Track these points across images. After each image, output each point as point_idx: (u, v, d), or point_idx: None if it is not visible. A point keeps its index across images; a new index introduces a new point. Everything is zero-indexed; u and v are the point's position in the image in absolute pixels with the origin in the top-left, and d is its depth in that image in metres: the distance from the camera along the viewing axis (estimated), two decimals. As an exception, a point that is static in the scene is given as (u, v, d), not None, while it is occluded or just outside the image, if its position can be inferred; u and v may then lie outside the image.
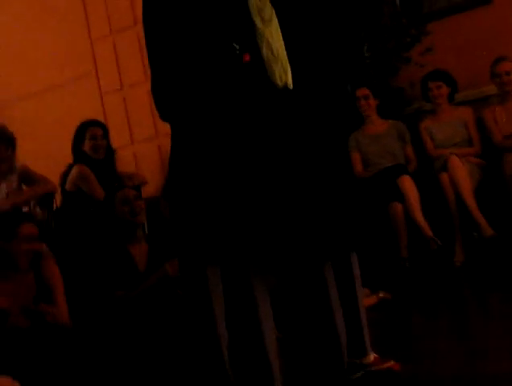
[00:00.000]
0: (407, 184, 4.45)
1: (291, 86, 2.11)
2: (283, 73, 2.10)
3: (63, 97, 5.89)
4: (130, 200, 3.87)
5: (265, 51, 2.09)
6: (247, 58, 2.07)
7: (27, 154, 5.79)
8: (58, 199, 4.72)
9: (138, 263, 3.77)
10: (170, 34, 2.14)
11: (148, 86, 5.53)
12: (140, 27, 5.48)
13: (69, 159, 4.72)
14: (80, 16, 5.84)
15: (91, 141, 4.61)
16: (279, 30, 2.14)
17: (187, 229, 2.11)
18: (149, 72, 5.47)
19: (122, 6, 5.67)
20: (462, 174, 4.41)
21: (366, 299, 3.44)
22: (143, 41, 5.75)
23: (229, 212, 2.03)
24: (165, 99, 2.16)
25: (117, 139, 5.55)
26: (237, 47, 2.07)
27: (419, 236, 4.45)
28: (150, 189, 5.28)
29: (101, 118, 5.70)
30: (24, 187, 4.43)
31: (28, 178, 4.42)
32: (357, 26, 4.83)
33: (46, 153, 5.78)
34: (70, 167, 4.59)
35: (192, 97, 2.10)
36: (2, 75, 6.21)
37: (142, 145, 5.68)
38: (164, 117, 2.21)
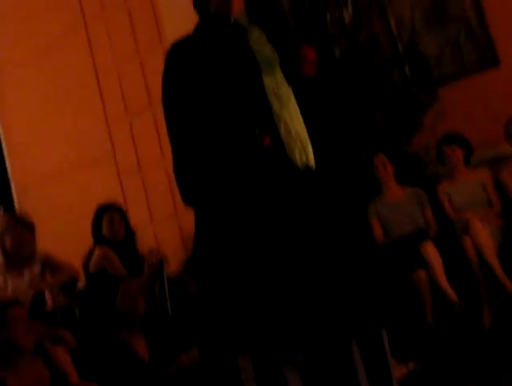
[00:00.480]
0: (430, 250, 4.41)
1: (313, 166, 2.13)
2: (303, 154, 2.11)
3: (81, 178, 5.96)
4: (133, 292, 3.91)
5: (283, 132, 2.10)
6: (267, 141, 2.08)
7: (48, 236, 5.84)
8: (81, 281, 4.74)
9: (141, 356, 3.78)
10: (189, 117, 2.16)
11: (165, 164, 5.63)
12: (155, 107, 5.63)
13: (90, 240, 4.76)
14: (96, 98, 5.97)
15: (109, 226, 4.67)
16: (298, 109, 2.16)
17: (215, 317, 2.10)
18: (166, 151, 5.56)
19: (137, 87, 5.79)
20: (484, 236, 4.37)
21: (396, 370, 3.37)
22: (159, 120, 5.87)
23: (254, 295, 2.02)
24: (187, 182, 2.18)
25: (136, 218, 5.59)
26: (257, 130, 2.08)
27: (444, 300, 4.40)
28: (172, 266, 5.28)
29: (119, 198, 5.76)
30: (47, 275, 4.45)
31: (50, 265, 4.44)
32: (368, 99, 4.92)
33: (67, 234, 5.82)
34: (92, 249, 4.63)
35: (213, 181, 2.11)
36: (23, 159, 6.32)
37: (162, 223, 5.71)
38: (187, 199, 2.21)
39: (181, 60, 2.21)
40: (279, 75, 2.17)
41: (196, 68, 2.17)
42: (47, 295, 4.25)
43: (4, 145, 6.41)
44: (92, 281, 4.57)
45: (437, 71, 5.31)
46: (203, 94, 2.16)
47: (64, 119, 6.09)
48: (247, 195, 2.08)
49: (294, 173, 2.09)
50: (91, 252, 4.62)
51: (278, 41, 2.22)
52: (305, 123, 2.15)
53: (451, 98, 5.20)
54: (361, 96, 5.06)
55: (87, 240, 4.84)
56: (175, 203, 5.53)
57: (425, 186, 5.09)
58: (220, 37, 2.21)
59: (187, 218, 5.37)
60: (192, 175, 2.15)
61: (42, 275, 4.39)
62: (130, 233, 4.79)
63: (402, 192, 4.94)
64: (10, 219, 4.02)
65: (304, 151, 2.12)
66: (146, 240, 5.25)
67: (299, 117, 2.15)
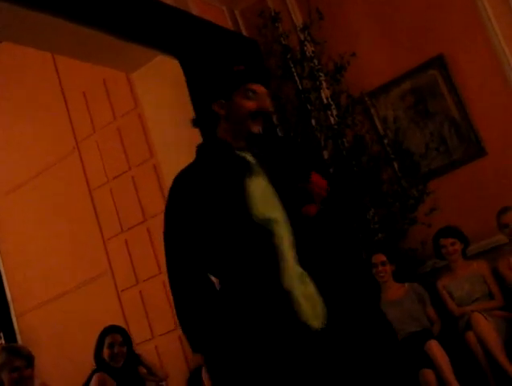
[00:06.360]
0: (435, 349, 4.31)
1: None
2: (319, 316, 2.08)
3: (80, 300, 5.94)
4: None
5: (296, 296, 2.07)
6: None
7: (49, 361, 5.76)
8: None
9: None
10: (196, 263, 2.14)
11: (163, 278, 5.58)
12: (149, 221, 5.65)
13: (90, 364, 4.69)
14: (91, 218, 6.03)
15: (109, 349, 4.61)
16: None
17: None
18: (162, 264, 5.53)
19: (131, 203, 5.86)
20: (488, 330, 4.29)
21: None
22: (153, 233, 5.85)
23: None
24: (197, 333, 2.14)
25: (137, 335, 5.53)
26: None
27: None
28: (174, 381, 5.19)
29: (119, 316, 5.71)
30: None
31: None
32: (361, 199, 4.95)
33: (68, 358, 5.74)
34: (91, 375, 4.55)
35: (222, 332, 2.08)
36: (21, 284, 6.31)
37: (163, 337, 5.64)
38: (196, 349, 2.19)
39: (184, 196, 2.19)
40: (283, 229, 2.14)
41: (199, 209, 2.15)
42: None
43: (2, 271, 6.42)
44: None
45: (426, 166, 5.37)
46: (208, 238, 2.13)
47: (61, 241, 6.12)
48: (258, 352, 2.02)
49: (308, 334, 2.04)
50: (89, 379, 4.54)
51: (283, 179, 2.22)
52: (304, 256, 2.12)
53: (442, 191, 5.24)
54: (352, 196, 5.11)
55: (90, 364, 4.75)
56: (175, 317, 5.48)
57: (423, 280, 5.07)
58: (223, 174, 2.19)
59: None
60: (202, 327, 2.10)
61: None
62: (132, 358, 4.70)
63: (402, 290, 4.90)
64: (8, 354, 3.94)
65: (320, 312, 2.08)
66: (147, 356, 5.17)
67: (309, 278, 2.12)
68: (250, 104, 2.23)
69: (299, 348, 2.01)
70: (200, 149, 2.33)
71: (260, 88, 2.26)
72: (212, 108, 2.28)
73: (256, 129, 2.23)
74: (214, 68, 2.37)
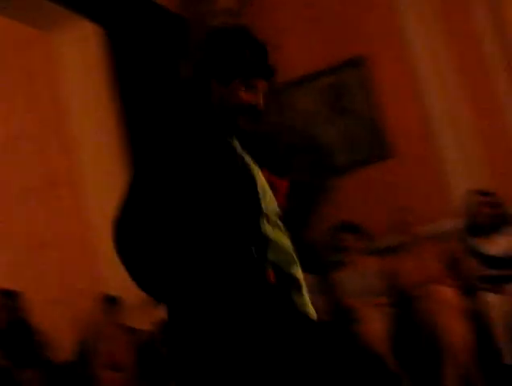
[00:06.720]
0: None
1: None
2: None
3: None
4: None
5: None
6: (272, 277, 1.95)
7: None
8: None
9: None
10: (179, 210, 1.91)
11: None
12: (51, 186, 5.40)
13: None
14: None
15: None
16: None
17: None
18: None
19: (37, 166, 5.70)
20: (377, 325, 4.45)
21: None
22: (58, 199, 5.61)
23: None
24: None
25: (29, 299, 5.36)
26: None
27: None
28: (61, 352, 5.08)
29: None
30: None
31: None
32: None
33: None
34: None
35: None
36: None
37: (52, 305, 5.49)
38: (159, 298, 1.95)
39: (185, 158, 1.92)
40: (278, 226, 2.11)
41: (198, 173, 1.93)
42: None
43: None
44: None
45: (335, 161, 5.48)
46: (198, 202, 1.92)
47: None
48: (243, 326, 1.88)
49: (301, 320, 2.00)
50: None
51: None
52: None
53: (348, 187, 5.37)
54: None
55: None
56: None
57: (323, 273, 5.17)
58: (226, 153, 2.02)
59: (78, 302, 5.24)
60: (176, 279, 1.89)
61: None
62: (19, 320, 4.61)
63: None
64: None
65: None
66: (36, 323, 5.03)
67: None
68: (247, 97, 2.03)
69: (299, 337, 1.93)
70: (184, 119, 2.04)
71: (262, 84, 2.06)
72: (209, 84, 2.06)
73: (242, 123, 2.05)
74: (230, 50, 2.08)
